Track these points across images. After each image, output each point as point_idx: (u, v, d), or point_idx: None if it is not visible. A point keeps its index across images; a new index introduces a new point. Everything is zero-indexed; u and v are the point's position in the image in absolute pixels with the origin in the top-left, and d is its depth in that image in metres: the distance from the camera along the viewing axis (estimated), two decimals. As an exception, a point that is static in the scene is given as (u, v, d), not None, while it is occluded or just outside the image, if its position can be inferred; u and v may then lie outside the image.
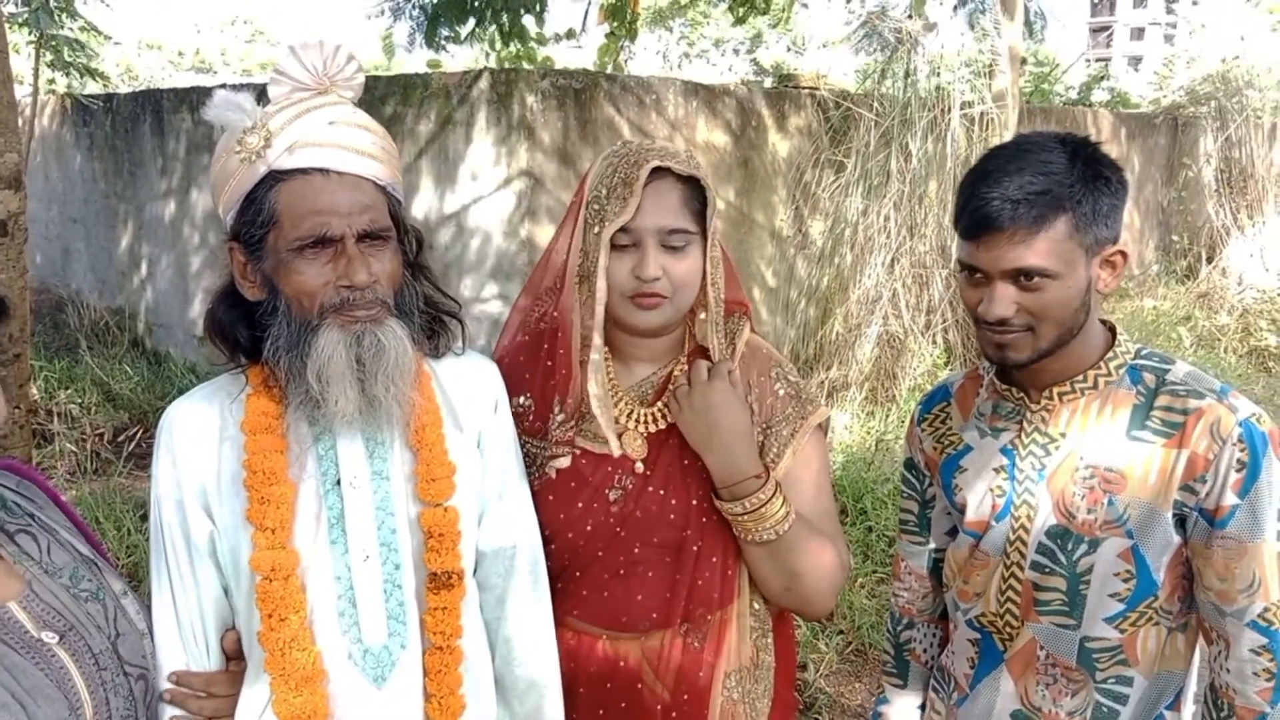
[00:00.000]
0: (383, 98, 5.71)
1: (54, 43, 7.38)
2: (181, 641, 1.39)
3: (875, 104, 6.80)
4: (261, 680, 1.37)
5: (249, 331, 1.39)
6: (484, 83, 5.36)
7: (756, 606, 1.63)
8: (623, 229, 1.51)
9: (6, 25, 3.76)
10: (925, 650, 1.82)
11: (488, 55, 9.57)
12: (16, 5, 6.74)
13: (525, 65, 7.99)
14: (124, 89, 10.40)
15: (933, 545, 1.78)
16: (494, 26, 8.49)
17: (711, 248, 1.58)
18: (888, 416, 6.07)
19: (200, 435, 1.40)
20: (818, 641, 3.78)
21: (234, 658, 1.43)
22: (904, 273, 6.55)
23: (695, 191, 1.55)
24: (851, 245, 6.65)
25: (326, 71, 1.38)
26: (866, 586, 4.19)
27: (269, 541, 1.34)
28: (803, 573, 1.55)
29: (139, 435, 5.86)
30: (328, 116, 1.35)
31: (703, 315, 1.62)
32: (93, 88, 8.93)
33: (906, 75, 6.86)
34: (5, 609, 1.21)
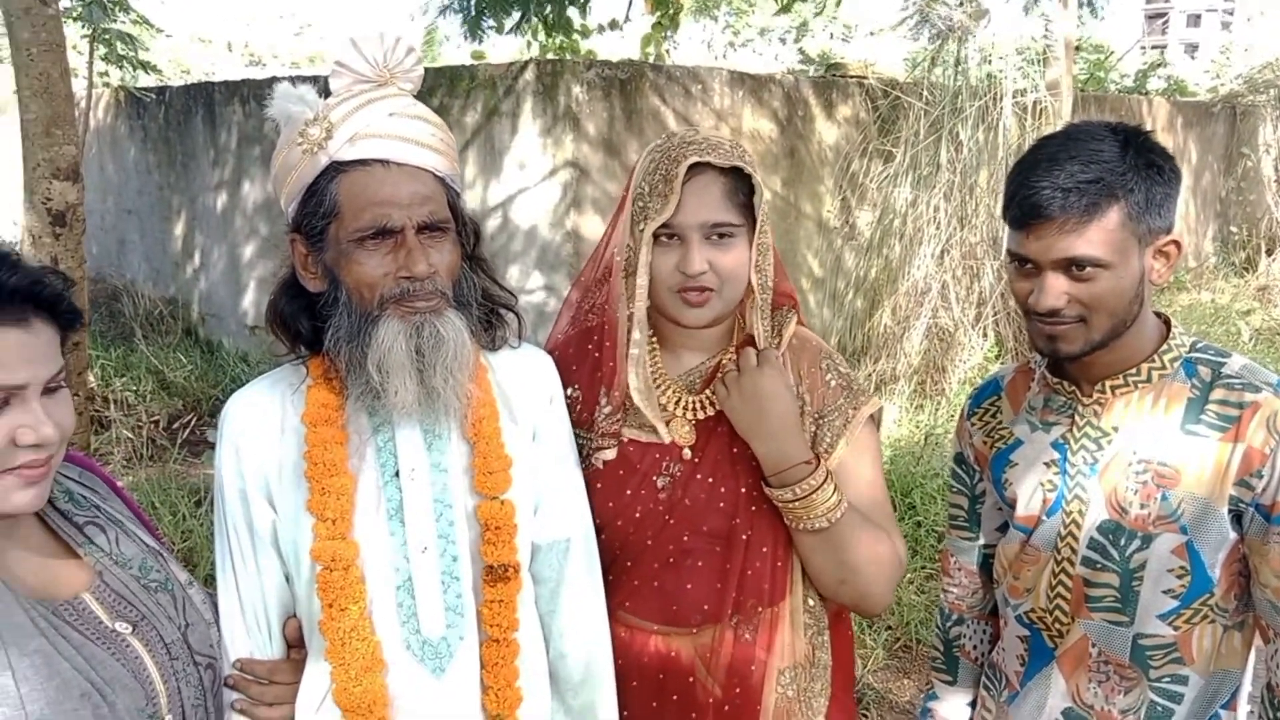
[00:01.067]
0: (430, 89, 5.75)
1: (107, 36, 7.53)
2: (245, 628, 1.42)
3: (925, 92, 6.72)
4: (322, 668, 1.39)
5: (310, 322, 1.41)
6: (530, 74, 5.38)
7: (811, 603, 1.62)
8: (666, 225, 1.51)
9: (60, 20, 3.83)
10: (975, 647, 1.81)
11: (530, 46, 9.60)
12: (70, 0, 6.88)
13: (569, 57, 7.98)
14: (176, 82, 10.58)
15: (982, 541, 1.76)
16: (538, 19, 8.52)
17: (760, 235, 1.57)
18: (937, 410, 6.00)
19: (262, 426, 1.42)
20: (865, 637, 3.76)
21: (295, 645, 1.45)
22: (954, 264, 6.47)
23: (741, 181, 1.54)
24: (900, 236, 6.58)
25: (387, 64, 1.39)
26: (915, 582, 4.16)
27: (329, 532, 1.36)
28: (857, 565, 1.54)
29: (193, 423, 5.98)
30: (388, 108, 1.36)
31: (750, 304, 1.61)
32: (145, 81, 9.08)
33: (957, 63, 6.77)
34: (80, 600, 1.23)
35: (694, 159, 1.50)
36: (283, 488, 1.40)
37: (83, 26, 7.17)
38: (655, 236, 1.53)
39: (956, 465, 1.78)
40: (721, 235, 1.52)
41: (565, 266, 5.35)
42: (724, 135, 1.62)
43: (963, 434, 1.75)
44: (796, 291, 1.71)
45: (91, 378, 5.81)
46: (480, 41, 9.39)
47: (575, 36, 9.06)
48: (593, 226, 5.33)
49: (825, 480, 1.52)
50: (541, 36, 9.08)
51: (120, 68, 8.65)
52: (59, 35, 3.62)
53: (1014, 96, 6.53)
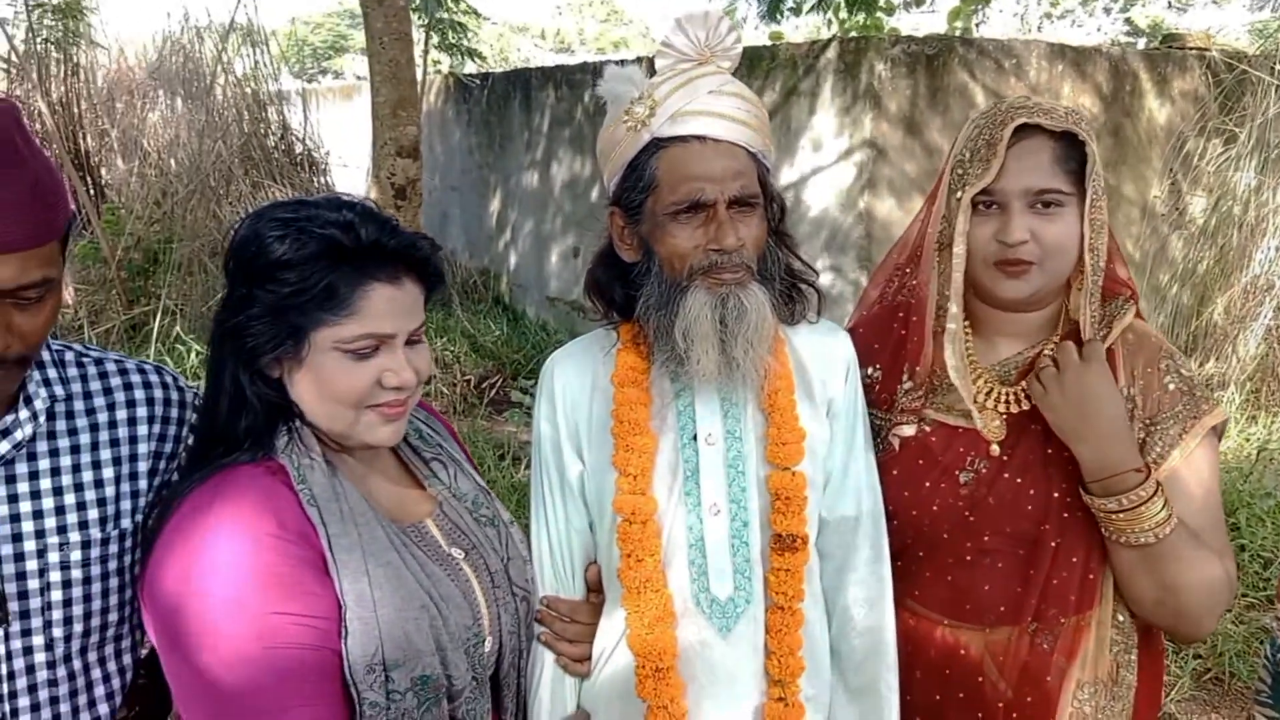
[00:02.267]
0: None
1: (440, 26, 8.25)
2: (553, 568, 1.53)
3: (1277, 66, 5.94)
4: (618, 614, 1.47)
5: (623, 291, 1.49)
6: (832, 52, 5.31)
7: (1120, 618, 1.50)
8: (986, 191, 1.44)
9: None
10: (1312, 684, 1.61)
11: (830, 24, 9.45)
12: (409, -10, 7.57)
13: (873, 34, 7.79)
14: (498, 69, 11.42)
15: (1332, 567, 1.56)
16: (841, -3, 8.37)
17: (1092, 210, 1.44)
18: (1273, 423, 5.34)
19: (576, 384, 1.52)
20: (1171, 664, 3.44)
21: (595, 589, 1.55)
22: (1306, 258, 5.70)
23: (1073, 149, 1.44)
24: (1240, 225, 5.88)
25: (708, 43, 1.44)
26: (1234, 610, 3.74)
27: (631, 486, 1.44)
28: (1181, 587, 1.41)
29: (499, 383, 6.47)
30: (708, 86, 1.41)
31: (1077, 286, 1.50)
32: (470, 68, 9.87)
33: (1320, 32, 5.93)
34: (423, 525, 1.39)
35: (1022, 120, 1.42)
36: (592, 442, 1.49)
37: (419, 17, 7.90)
38: (974, 204, 1.45)
39: (1307, 482, 1.59)
40: (1047, 204, 1.43)
41: (854, 249, 5.26)
42: (1057, 103, 1.50)
43: (1317, 447, 1.56)
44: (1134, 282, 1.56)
45: (417, 337, 6.40)
46: (779, 21, 9.40)
47: (878, 14, 8.82)
48: (887, 208, 5.19)
49: (1156, 492, 1.39)
50: (843, 13, 8.92)
51: (450, 55, 9.46)
52: (406, 25, 4.02)
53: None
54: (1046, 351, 1.52)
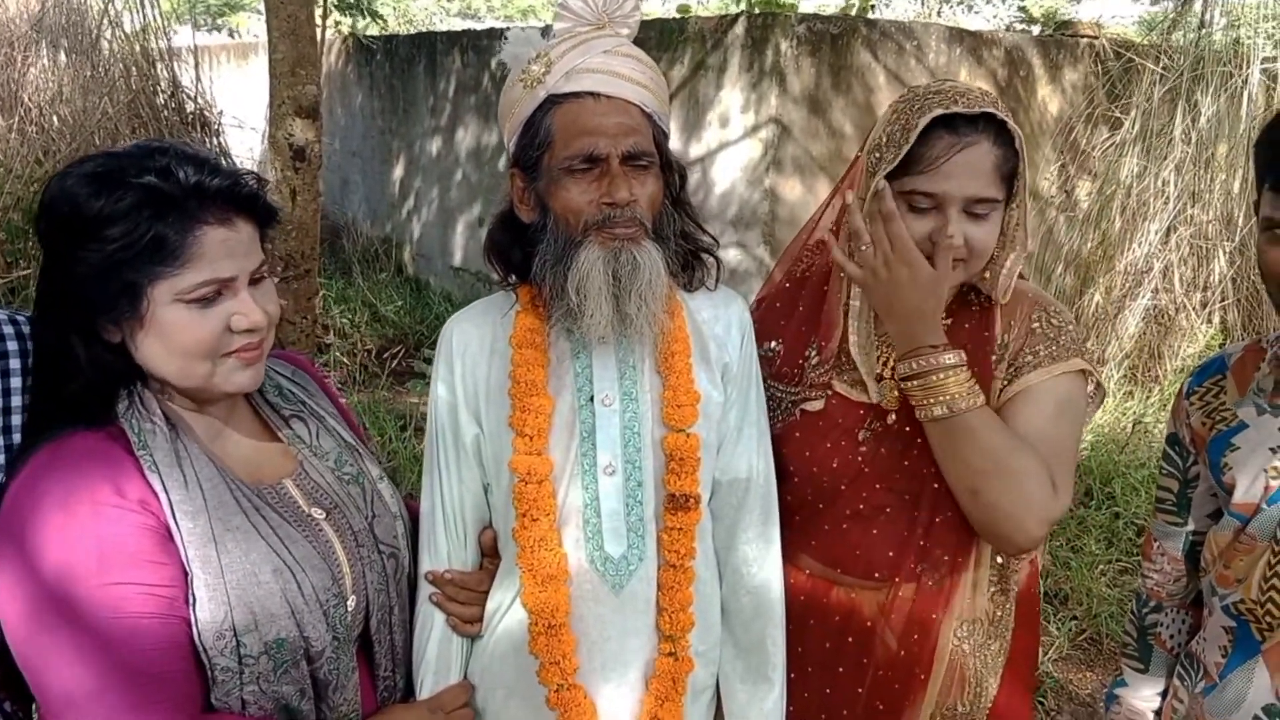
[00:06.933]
0: (639, 42, 5.75)
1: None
2: (444, 529, 1.53)
3: (1162, 57, 6.21)
4: (513, 574, 1.49)
5: (522, 252, 1.49)
6: (740, 27, 5.34)
7: (1000, 560, 1.59)
8: (928, 194, 1.47)
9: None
10: (1172, 636, 1.72)
11: (738, 2, 9.51)
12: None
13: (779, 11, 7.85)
14: (403, 31, 11.13)
15: (1191, 527, 1.66)
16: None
17: (1014, 210, 1.53)
18: (1148, 398, 5.63)
19: (476, 346, 1.52)
20: (1050, 625, 3.62)
21: (489, 554, 1.56)
22: (1181, 243, 6.00)
23: (1009, 156, 1.49)
24: (1122, 210, 6.15)
25: (606, 8, 1.46)
26: (1108, 575, 3.96)
27: (527, 447, 1.45)
28: (988, 471, 1.45)
29: (400, 354, 6.37)
30: (603, 46, 1.44)
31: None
32: (372, 30, 9.60)
33: (1201, 26, 6.21)
34: (282, 486, 1.37)
35: (939, 111, 1.46)
36: (489, 404, 1.50)
37: (319, -26, 7.62)
38: (910, 205, 1.49)
39: (1169, 446, 1.68)
40: (979, 213, 1.49)
41: (760, 225, 5.33)
42: (976, 85, 1.55)
43: (1179, 413, 1.65)
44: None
45: (318, 305, 6.26)
46: (689, -5, 9.38)
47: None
48: (790, 186, 5.27)
49: (955, 368, 1.46)
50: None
51: (350, 16, 9.19)
52: (306, -19, 3.88)
53: (1262, 64, 5.93)
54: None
